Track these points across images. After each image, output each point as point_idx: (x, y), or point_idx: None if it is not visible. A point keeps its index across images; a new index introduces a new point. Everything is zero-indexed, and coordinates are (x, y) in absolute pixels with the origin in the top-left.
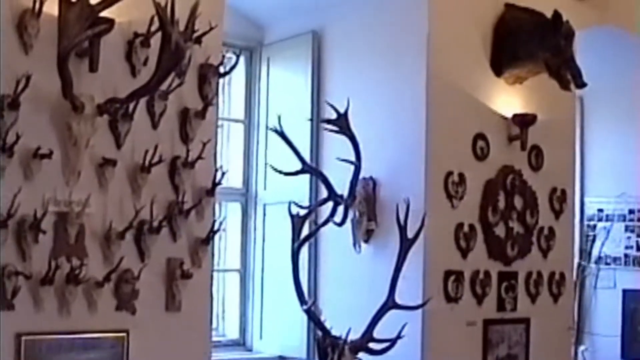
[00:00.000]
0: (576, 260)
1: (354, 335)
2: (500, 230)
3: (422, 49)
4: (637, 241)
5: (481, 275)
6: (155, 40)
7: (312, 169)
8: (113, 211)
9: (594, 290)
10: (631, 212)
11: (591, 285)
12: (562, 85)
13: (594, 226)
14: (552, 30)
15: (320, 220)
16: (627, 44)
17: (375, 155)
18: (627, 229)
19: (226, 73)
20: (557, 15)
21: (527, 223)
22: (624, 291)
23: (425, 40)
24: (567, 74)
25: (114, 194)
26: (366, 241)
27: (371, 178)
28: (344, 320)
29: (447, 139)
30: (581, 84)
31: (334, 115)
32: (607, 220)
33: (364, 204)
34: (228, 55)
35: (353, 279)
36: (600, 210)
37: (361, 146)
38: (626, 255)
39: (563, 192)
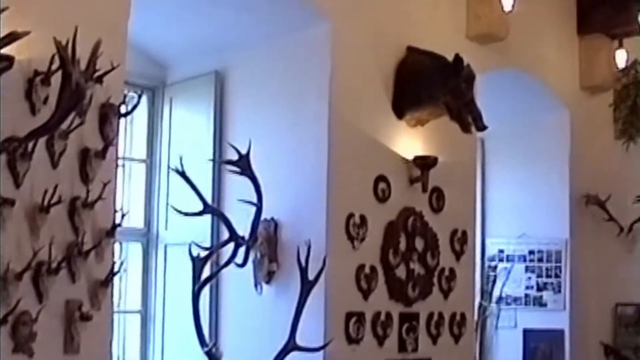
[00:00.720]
0: (477, 300)
1: None
2: (401, 272)
3: (325, 91)
4: (537, 281)
5: (382, 317)
6: (56, 79)
7: (213, 210)
8: (11, 252)
9: (495, 330)
10: (531, 252)
11: (492, 325)
12: (463, 128)
13: (495, 267)
14: (453, 74)
15: (222, 262)
16: (527, 86)
17: (276, 197)
18: (527, 269)
19: (128, 113)
20: (458, 58)
21: (428, 264)
22: (525, 331)
23: (328, 83)
24: (468, 116)
25: (12, 234)
26: (267, 282)
27: (273, 219)
28: None
29: (348, 181)
30: (482, 127)
31: (235, 156)
32: (507, 260)
33: (265, 245)
34: (130, 94)
35: (254, 320)
36: (501, 251)
37: (263, 187)
38: (526, 296)
39: (464, 233)
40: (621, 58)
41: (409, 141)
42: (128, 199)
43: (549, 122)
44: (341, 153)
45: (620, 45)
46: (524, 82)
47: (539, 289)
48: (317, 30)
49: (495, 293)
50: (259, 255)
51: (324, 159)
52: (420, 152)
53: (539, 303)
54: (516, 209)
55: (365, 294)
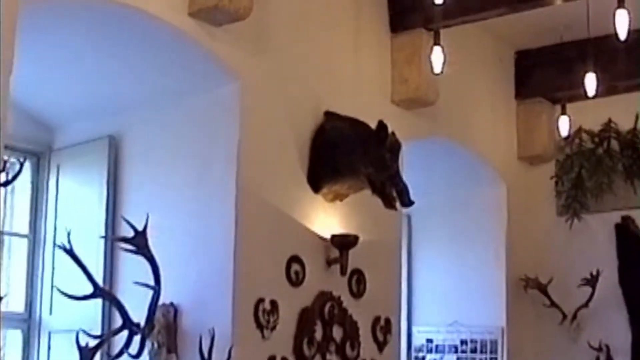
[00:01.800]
0: None
1: None
2: None
3: (232, 159)
4: None
5: None
6: None
7: (104, 293)
8: None
9: None
10: (463, 342)
11: None
12: (387, 204)
13: (423, 358)
14: (376, 142)
15: (114, 352)
16: (459, 156)
17: (177, 279)
18: None
19: (8, 182)
20: (381, 125)
21: (347, 356)
22: None
23: (236, 149)
24: (392, 190)
25: None
26: None
27: (172, 304)
28: None
29: (258, 261)
30: (408, 202)
31: (131, 233)
32: (437, 351)
33: (163, 334)
34: (11, 160)
35: None
36: (430, 341)
37: (161, 268)
38: None
39: (387, 321)
40: (564, 125)
41: (326, 218)
42: (7, 279)
43: (483, 196)
44: (250, 230)
45: (564, 111)
46: (456, 152)
47: None
48: (225, 91)
49: None
50: (156, 345)
51: (231, 236)
52: (339, 230)
53: None
54: (446, 293)
55: None
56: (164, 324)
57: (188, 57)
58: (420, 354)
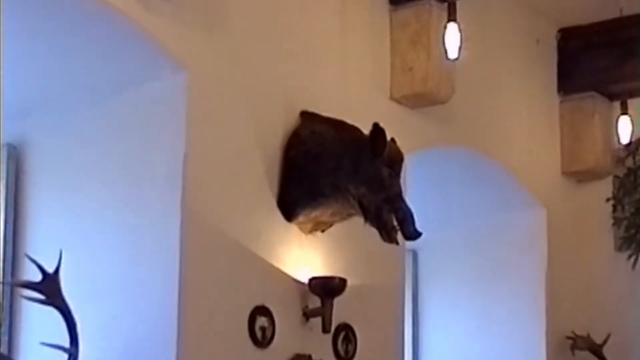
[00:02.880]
0: None
1: None
2: None
3: (176, 175)
4: None
5: None
6: None
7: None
8: None
9: None
10: None
11: None
12: (385, 236)
13: None
14: (370, 153)
15: None
16: (482, 172)
17: (101, 339)
18: None
19: None
20: (377, 131)
21: None
22: None
23: (181, 162)
24: (391, 218)
25: None
26: None
27: None
28: None
29: (210, 315)
30: (413, 234)
31: (38, 276)
32: None
33: None
34: None
35: None
36: None
37: (79, 324)
38: None
39: None
40: (625, 129)
41: (302, 254)
42: None
43: (515, 226)
44: (200, 271)
45: (624, 110)
46: (477, 166)
47: None
48: (167, 85)
49: None
50: None
51: (173, 280)
52: (320, 271)
53: None
54: (465, 358)
55: None
56: None
57: (116, 39)
58: None
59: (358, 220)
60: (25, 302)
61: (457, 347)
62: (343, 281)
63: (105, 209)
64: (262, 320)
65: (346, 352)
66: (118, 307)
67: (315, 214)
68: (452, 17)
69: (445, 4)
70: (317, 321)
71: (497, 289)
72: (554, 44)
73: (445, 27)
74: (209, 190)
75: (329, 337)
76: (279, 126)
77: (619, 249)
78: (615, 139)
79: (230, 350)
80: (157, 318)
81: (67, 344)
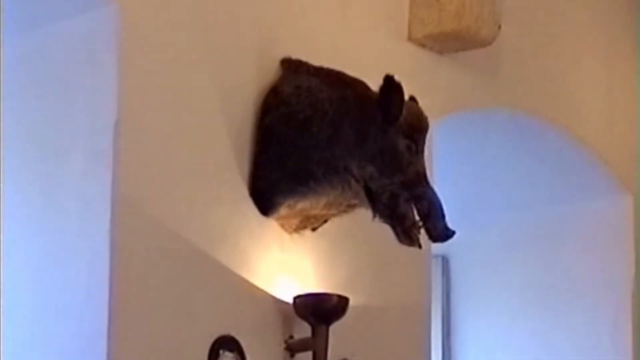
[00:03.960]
0: None
1: None
2: None
3: (103, 150)
4: None
5: None
6: None
7: None
8: None
9: None
10: None
11: None
12: (402, 236)
13: None
14: (381, 119)
15: None
16: (543, 145)
17: None
18: None
19: None
20: (390, 85)
21: None
22: None
23: (110, 132)
24: (412, 210)
25: None
26: None
27: None
28: None
29: (153, 349)
30: (443, 232)
31: None
32: None
33: None
34: None
35: None
36: None
37: None
38: None
39: None
40: None
41: (285, 262)
42: None
43: (589, 219)
44: (137, 286)
45: None
46: (534, 137)
47: None
48: (90, 20)
49: None
50: None
51: (101, 300)
52: (310, 286)
53: None
54: None
55: None
56: None
57: None
58: None
59: (364, 214)
60: None
61: None
62: (343, 300)
63: (11, 193)
64: (227, 357)
65: None
66: (27, 331)
67: (302, 205)
68: None
69: None
70: (305, 357)
71: (561, 306)
72: None
73: None
74: (150, 171)
75: None
76: (250, 80)
77: None
78: None
79: None
80: (81, 348)
81: None
